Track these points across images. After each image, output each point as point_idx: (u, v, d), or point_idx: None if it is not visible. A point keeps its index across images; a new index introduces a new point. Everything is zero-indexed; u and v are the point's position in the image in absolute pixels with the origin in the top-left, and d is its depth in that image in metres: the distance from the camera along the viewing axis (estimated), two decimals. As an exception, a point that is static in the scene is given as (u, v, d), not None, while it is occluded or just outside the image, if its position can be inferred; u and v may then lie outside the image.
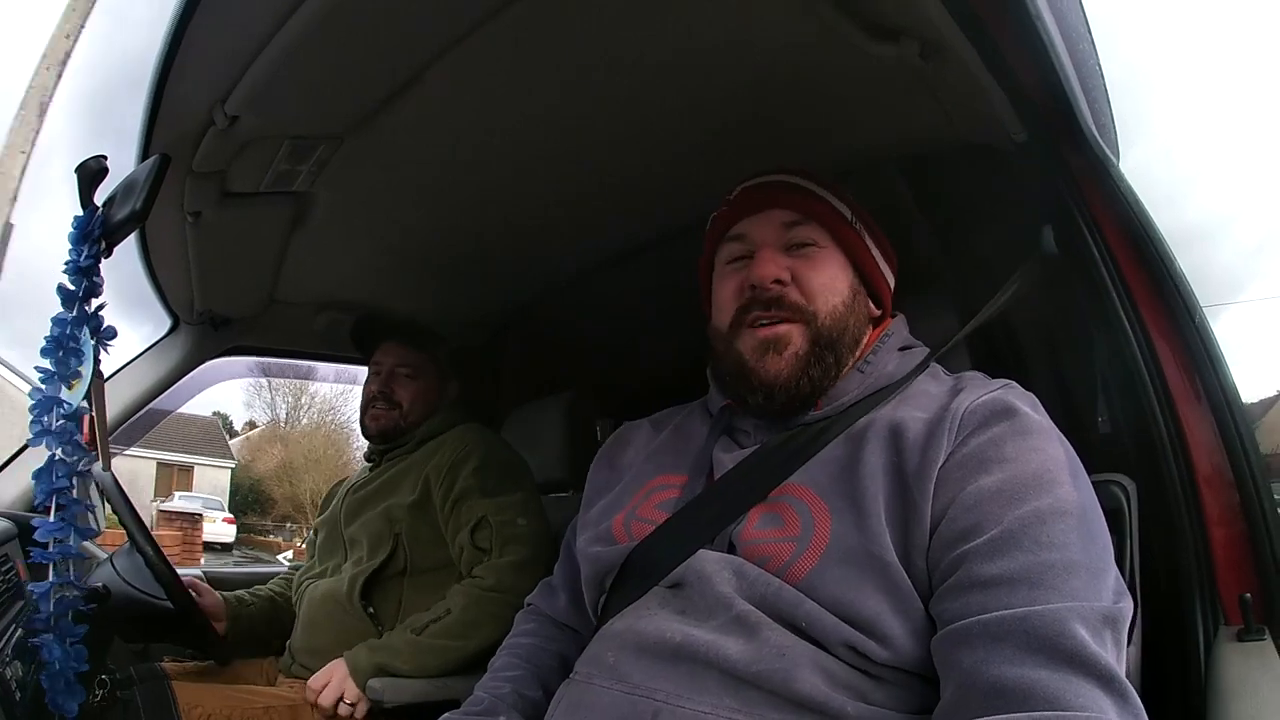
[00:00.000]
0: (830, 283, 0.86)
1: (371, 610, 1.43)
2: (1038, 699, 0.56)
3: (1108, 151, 0.87)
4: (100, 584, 1.19)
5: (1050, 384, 0.99)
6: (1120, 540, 0.80)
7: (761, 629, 0.70)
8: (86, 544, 1.50)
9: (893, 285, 0.94)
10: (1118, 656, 0.60)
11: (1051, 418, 0.75)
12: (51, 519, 0.91)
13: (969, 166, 1.07)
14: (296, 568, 1.72)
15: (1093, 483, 0.71)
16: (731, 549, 0.77)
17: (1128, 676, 0.59)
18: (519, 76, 1.04)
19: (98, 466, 1.31)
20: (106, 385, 1.58)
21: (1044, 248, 0.93)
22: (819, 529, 0.73)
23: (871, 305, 0.91)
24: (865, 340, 0.88)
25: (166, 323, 1.66)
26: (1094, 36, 0.97)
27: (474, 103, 1.10)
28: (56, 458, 0.91)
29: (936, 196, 1.14)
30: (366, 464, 1.68)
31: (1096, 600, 0.61)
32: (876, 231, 0.93)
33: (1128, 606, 0.64)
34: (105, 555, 1.41)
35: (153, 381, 1.64)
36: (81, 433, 0.90)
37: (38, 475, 0.92)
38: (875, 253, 0.92)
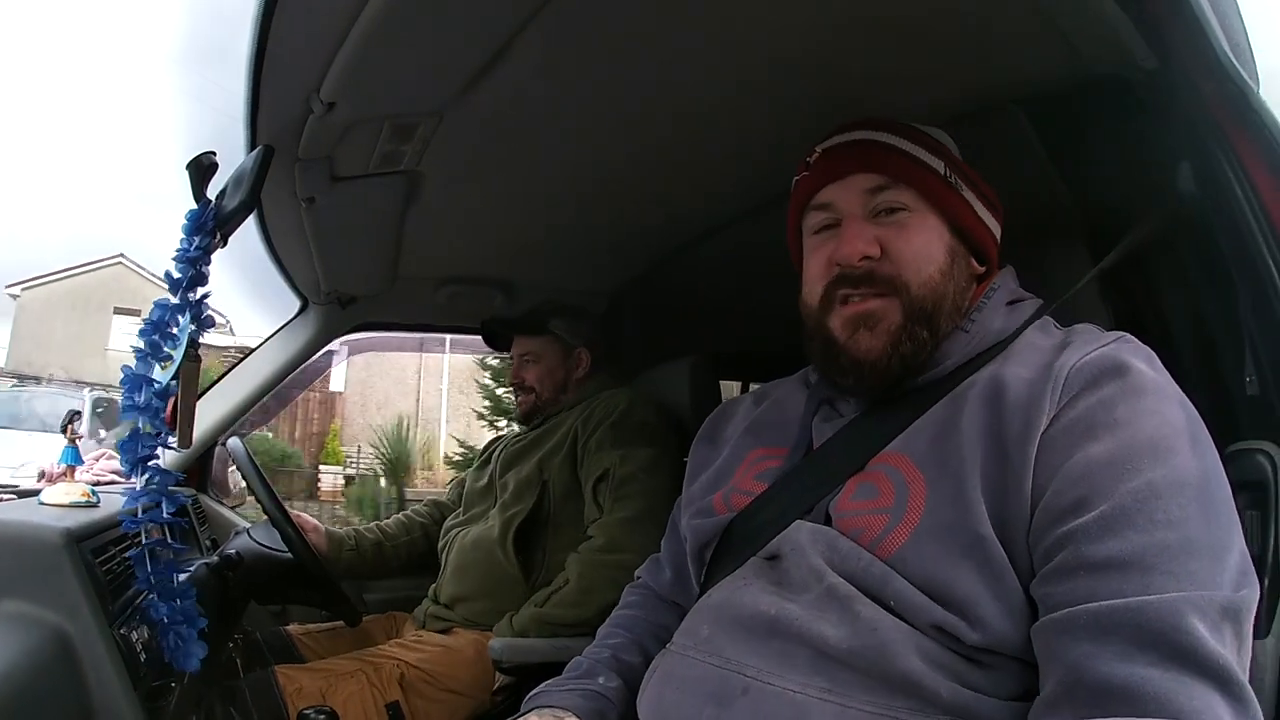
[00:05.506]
0: (924, 250, 0.79)
1: (520, 558, 1.49)
2: (1147, 700, 0.53)
3: (1245, 76, 0.77)
4: (234, 551, 1.28)
5: (1193, 340, 0.88)
6: (1263, 515, 0.71)
7: (853, 603, 0.67)
8: (226, 513, 1.66)
9: (998, 236, 0.86)
10: (1239, 651, 0.56)
11: (1195, 377, 0.68)
12: (139, 488, 0.95)
13: (1098, 102, 0.95)
14: (418, 512, 1.85)
15: (1236, 452, 0.65)
16: (828, 520, 0.75)
17: (1266, 670, 0.55)
18: (611, 37, 0.97)
19: (233, 440, 1.42)
20: (242, 366, 1.72)
21: (1179, 186, 0.83)
22: (914, 500, 0.69)
23: (974, 263, 0.84)
24: (969, 301, 0.82)
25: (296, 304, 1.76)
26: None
27: (567, 69, 1.04)
28: (141, 431, 0.95)
29: (1065, 137, 1.02)
30: (524, 425, 1.78)
31: (1216, 588, 0.56)
32: (976, 180, 0.84)
33: (1252, 594, 0.58)
34: (244, 525, 1.53)
35: (285, 360, 1.75)
36: (165, 411, 0.94)
37: (122, 447, 0.96)
38: (977, 207, 0.83)
